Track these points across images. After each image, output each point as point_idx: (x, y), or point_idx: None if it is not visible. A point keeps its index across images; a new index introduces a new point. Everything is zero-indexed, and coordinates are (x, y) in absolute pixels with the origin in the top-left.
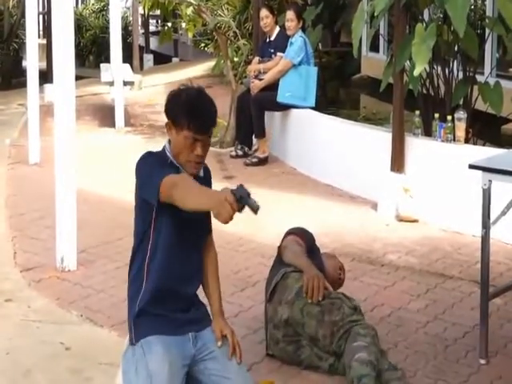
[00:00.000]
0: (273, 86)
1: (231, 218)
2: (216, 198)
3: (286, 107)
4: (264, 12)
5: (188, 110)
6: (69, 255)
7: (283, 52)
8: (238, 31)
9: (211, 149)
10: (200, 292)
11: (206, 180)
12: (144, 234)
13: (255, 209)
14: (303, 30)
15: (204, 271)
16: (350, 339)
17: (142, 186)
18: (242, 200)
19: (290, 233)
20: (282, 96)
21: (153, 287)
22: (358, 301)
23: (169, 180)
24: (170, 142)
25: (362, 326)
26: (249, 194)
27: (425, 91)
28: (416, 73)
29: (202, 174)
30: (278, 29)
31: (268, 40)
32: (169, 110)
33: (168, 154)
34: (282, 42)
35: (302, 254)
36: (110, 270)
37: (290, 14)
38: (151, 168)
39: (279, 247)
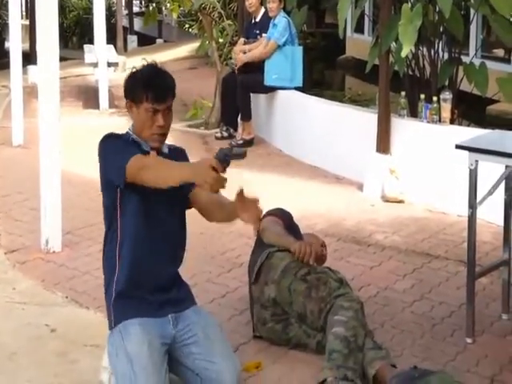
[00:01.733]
0: (258, 68)
1: (220, 185)
2: (197, 167)
3: (272, 89)
4: None
5: (144, 82)
6: (54, 237)
7: None
8: (222, 12)
9: (196, 130)
10: (182, 272)
11: (174, 158)
12: (112, 217)
13: (242, 154)
14: (286, 10)
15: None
16: (332, 312)
17: (107, 168)
18: (226, 158)
19: (267, 214)
20: (270, 79)
21: (127, 272)
22: None
23: (135, 161)
24: (132, 125)
25: (347, 298)
26: (231, 150)
27: (410, 72)
28: (403, 54)
29: (166, 150)
30: (263, 10)
31: (253, 21)
32: (127, 90)
33: (130, 132)
34: (268, 23)
35: (283, 232)
36: (95, 252)
37: None
38: (115, 149)
39: (258, 231)
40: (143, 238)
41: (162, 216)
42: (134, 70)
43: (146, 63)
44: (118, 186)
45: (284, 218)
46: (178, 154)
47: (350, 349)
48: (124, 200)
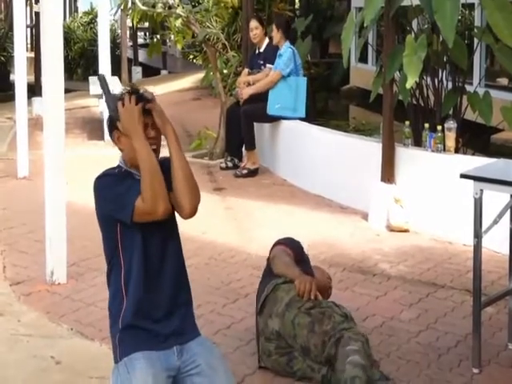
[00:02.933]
0: (262, 98)
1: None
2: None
3: (275, 118)
4: (253, 23)
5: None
6: (59, 268)
7: (272, 64)
8: (226, 43)
9: (201, 161)
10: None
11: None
12: (114, 252)
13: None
14: (291, 41)
15: None
16: (343, 343)
17: (110, 207)
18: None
19: (277, 243)
20: (272, 108)
21: (133, 303)
22: (350, 311)
23: (142, 208)
24: (122, 158)
25: (354, 332)
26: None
27: (414, 101)
28: (408, 85)
29: None
30: (267, 40)
31: (257, 51)
32: (112, 122)
33: (121, 165)
34: (272, 54)
35: (291, 263)
36: (101, 283)
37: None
38: (114, 187)
39: (268, 259)
40: (148, 270)
41: (162, 244)
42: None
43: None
44: (124, 222)
45: (294, 248)
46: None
47: (368, 374)
48: (125, 235)
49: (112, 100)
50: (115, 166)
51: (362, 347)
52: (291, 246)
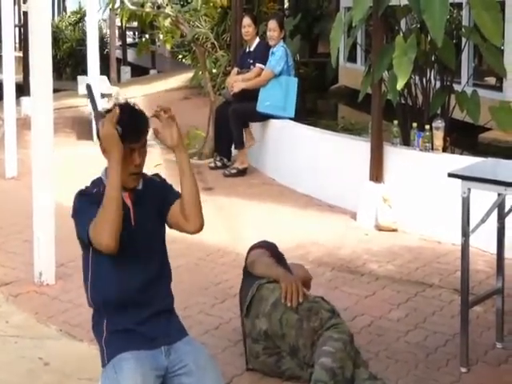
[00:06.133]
0: (251, 98)
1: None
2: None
3: (264, 118)
4: (247, 20)
5: (118, 122)
6: (47, 269)
7: (262, 63)
8: (215, 42)
9: (190, 160)
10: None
11: (149, 191)
12: (85, 262)
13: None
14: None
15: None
16: (321, 342)
17: (77, 227)
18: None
19: (252, 248)
20: (262, 105)
21: (112, 312)
22: (339, 310)
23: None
24: (106, 170)
25: (339, 330)
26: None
27: (403, 101)
28: (399, 86)
29: (140, 187)
30: (257, 40)
31: (248, 50)
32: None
33: (104, 180)
34: (262, 53)
35: (273, 263)
36: None
37: (273, 24)
38: (83, 209)
39: (245, 266)
40: (116, 280)
41: (138, 256)
42: (106, 113)
43: (117, 103)
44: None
45: (270, 248)
46: (154, 190)
47: (335, 380)
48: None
49: (97, 115)
50: (96, 179)
51: (341, 348)
52: (267, 248)
